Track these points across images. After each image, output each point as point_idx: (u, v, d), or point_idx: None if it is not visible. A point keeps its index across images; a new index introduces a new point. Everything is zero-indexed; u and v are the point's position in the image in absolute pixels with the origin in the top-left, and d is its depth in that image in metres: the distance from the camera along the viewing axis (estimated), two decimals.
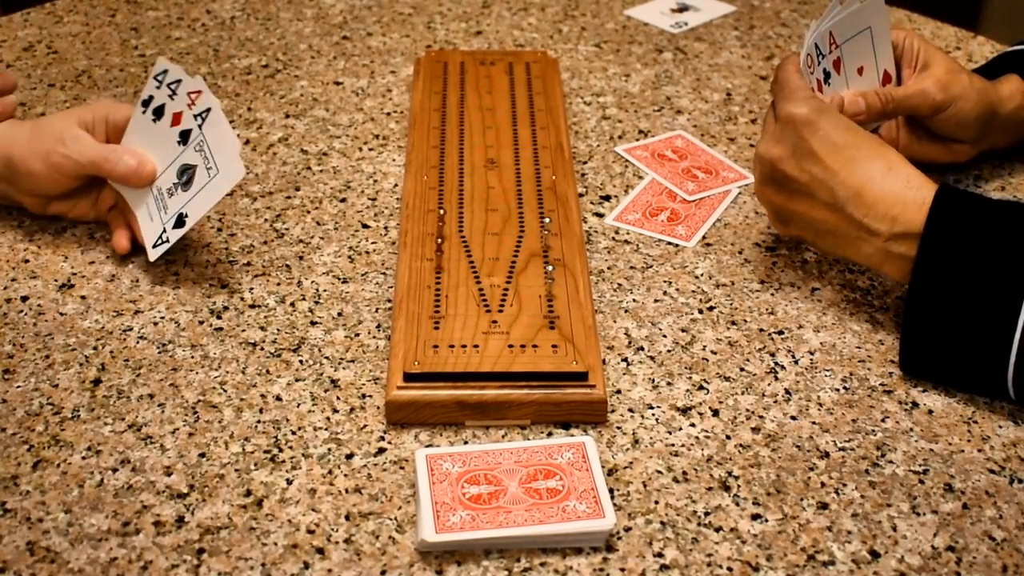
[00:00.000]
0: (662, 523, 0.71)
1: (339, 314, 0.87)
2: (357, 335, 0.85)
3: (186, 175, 0.88)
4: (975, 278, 0.76)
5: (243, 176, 0.86)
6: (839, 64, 0.94)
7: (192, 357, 0.83)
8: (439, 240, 0.90)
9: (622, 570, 0.68)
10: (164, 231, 0.89)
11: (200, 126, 0.88)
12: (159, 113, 0.90)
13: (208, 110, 0.87)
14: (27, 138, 0.91)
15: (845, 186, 0.81)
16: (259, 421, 0.78)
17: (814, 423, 0.79)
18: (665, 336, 0.86)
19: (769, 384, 0.82)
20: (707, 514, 0.72)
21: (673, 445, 0.77)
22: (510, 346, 0.79)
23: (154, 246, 0.90)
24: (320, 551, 0.69)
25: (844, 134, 0.82)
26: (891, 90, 0.95)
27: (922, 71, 0.97)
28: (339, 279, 0.91)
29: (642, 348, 0.85)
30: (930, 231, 0.77)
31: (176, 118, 0.89)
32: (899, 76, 0.99)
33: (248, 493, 0.73)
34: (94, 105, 0.93)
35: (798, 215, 0.84)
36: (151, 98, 0.91)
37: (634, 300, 0.89)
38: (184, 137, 0.89)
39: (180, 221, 0.88)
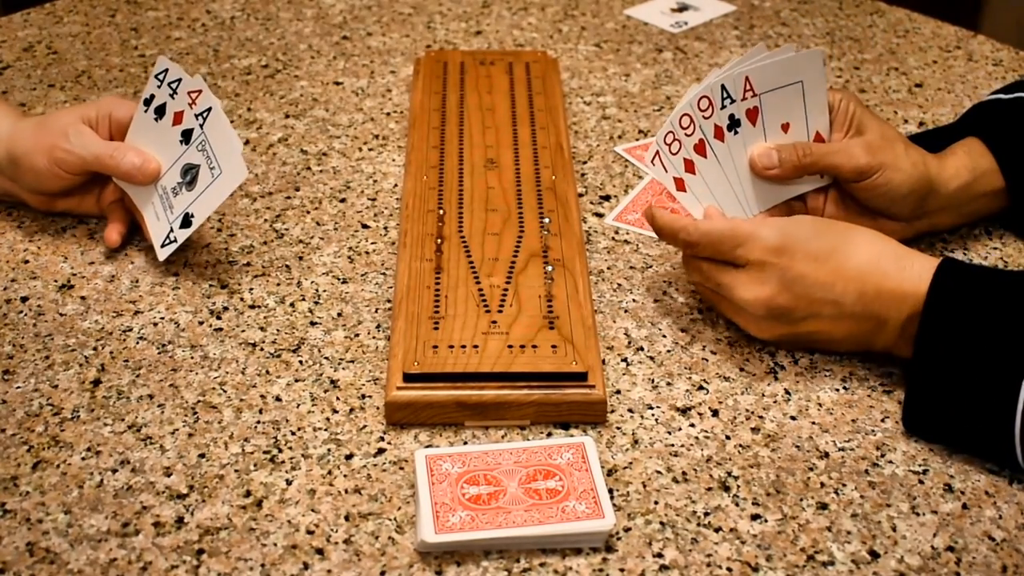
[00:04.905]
0: (661, 523, 0.71)
1: (339, 314, 0.87)
2: (357, 335, 0.85)
3: (190, 175, 0.88)
4: (977, 349, 0.73)
5: (246, 177, 0.86)
6: (755, 114, 0.87)
7: (192, 357, 0.83)
8: (439, 240, 0.90)
9: (621, 570, 0.68)
10: (171, 231, 0.89)
11: (202, 126, 0.88)
12: (161, 112, 0.90)
13: (209, 110, 0.88)
14: (31, 134, 0.91)
15: (846, 292, 0.78)
16: (259, 422, 0.78)
17: (814, 423, 0.79)
18: (665, 336, 0.86)
19: (769, 384, 0.82)
20: (707, 514, 0.72)
21: (673, 445, 0.77)
22: (510, 346, 0.79)
23: (162, 245, 0.90)
24: (320, 552, 0.69)
25: (818, 241, 0.79)
26: (811, 144, 0.88)
27: (854, 136, 0.89)
28: (339, 279, 0.91)
29: (642, 348, 0.85)
30: (931, 302, 0.75)
31: (177, 117, 0.89)
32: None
33: (248, 494, 0.73)
34: (98, 102, 0.94)
35: (809, 335, 0.81)
36: (152, 97, 0.91)
37: (634, 300, 0.89)
38: (186, 136, 0.89)
39: (187, 221, 0.89)
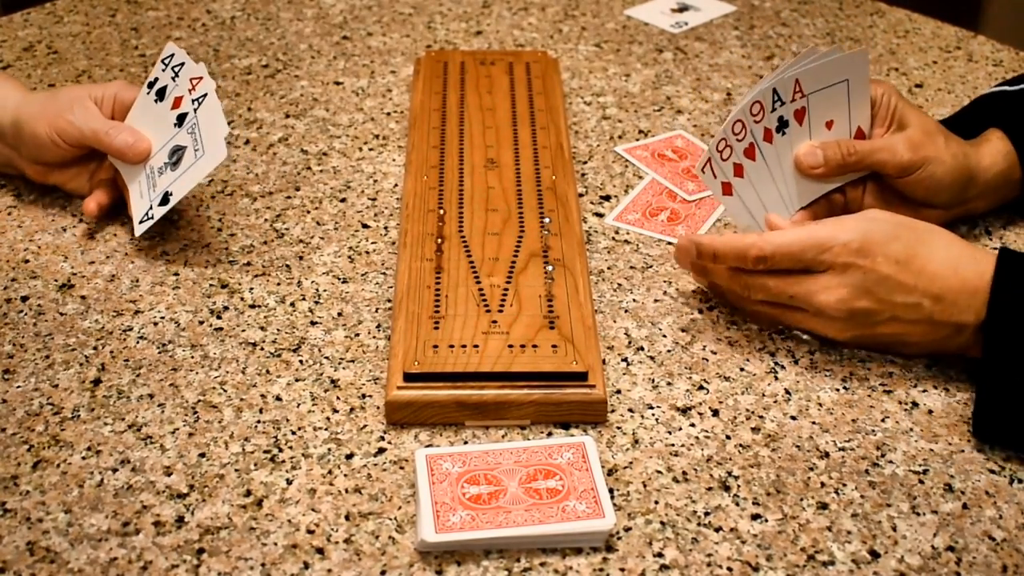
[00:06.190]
0: (662, 523, 0.71)
1: (339, 314, 0.87)
2: (357, 335, 0.85)
3: (176, 155, 0.91)
4: None
5: (225, 157, 0.88)
6: (803, 114, 0.88)
7: (192, 357, 0.83)
8: (439, 240, 0.90)
9: (622, 570, 0.68)
10: (151, 207, 0.92)
11: (195, 110, 0.91)
12: (161, 95, 0.93)
13: (205, 95, 0.90)
14: (40, 103, 0.95)
15: (927, 295, 0.78)
16: (259, 421, 0.78)
17: (814, 423, 0.79)
18: (665, 336, 0.86)
19: (769, 384, 0.82)
20: (707, 514, 0.72)
21: (673, 445, 0.77)
22: (510, 346, 0.79)
23: (140, 221, 0.92)
24: (320, 551, 0.69)
25: (898, 243, 0.79)
26: (855, 142, 0.89)
27: (896, 131, 0.91)
28: (339, 279, 0.91)
29: (642, 348, 0.85)
30: (996, 297, 0.75)
31: (177, 102, 0.92)
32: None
33: (248, 493, 0.73)
34: (108, 84, 0.97)
35: (886, 337, 0.81)
36: (156, 80, 0.94)
37: (634, 300, 0.89)
38: (180, 120, 0.92)
39: (165, 199, 0.91)
